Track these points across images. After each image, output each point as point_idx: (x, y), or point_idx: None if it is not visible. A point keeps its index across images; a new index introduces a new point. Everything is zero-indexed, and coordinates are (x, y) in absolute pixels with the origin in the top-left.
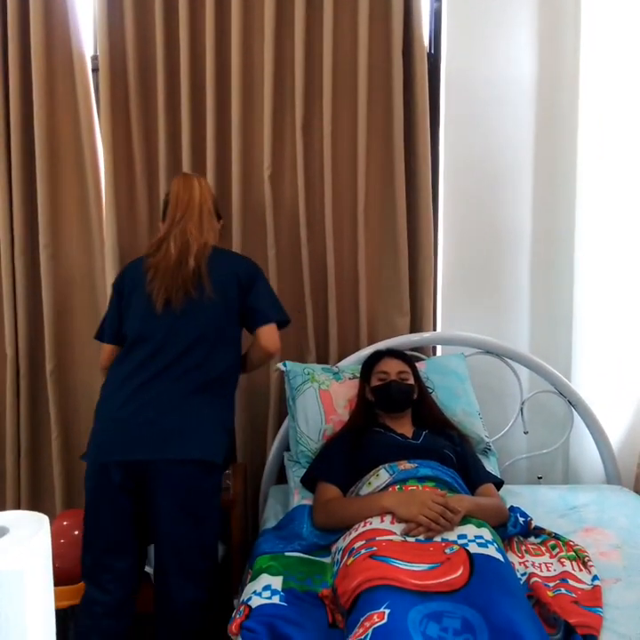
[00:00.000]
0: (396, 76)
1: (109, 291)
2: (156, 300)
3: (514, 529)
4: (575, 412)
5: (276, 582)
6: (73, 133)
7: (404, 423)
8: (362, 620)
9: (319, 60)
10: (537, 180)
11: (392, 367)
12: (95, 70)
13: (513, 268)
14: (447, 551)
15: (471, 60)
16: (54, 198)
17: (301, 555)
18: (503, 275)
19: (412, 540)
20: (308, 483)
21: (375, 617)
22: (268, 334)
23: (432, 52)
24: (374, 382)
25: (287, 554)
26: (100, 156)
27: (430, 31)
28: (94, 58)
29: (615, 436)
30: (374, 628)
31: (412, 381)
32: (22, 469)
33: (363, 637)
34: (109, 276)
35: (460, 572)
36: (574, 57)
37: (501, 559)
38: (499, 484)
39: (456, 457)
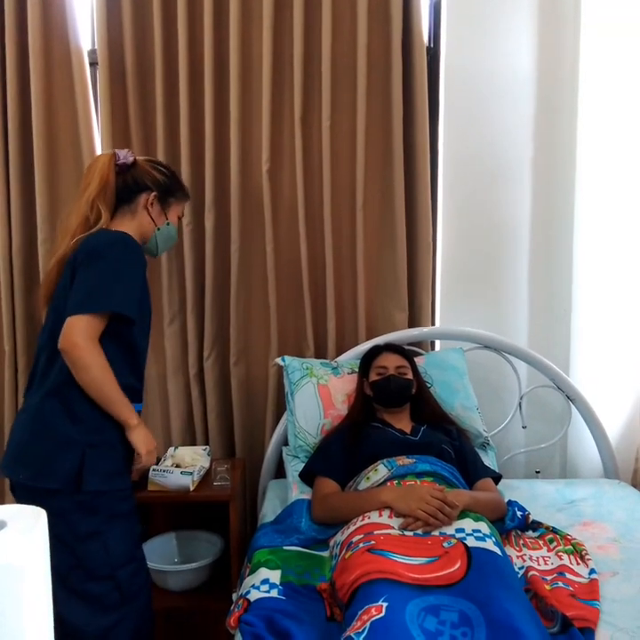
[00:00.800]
0: (396, 70)
1: None
2: None
3: (512, 523)
4: (573, 407)
5: (275, 576)
6: (71, 128)
7: (402, 418)
8: (360, 613)
9: (318, 53)
10: (536, 174)
11: (391, 362)
12: (93, 64)
13: (511, 262)
14: (445, 545)
15: (471, 54)
16: (52, 193)
17: (300, 549)
18: (502, 269)
19: (409, 534)
20: (307, 477)
21: (373, 610)
22: (65, 327)
23: (431, 46)
24: (373, 377)
25: (285, 548)
26: (98, 151)
27: (430, 25)
28: (92, 52)
29: (613, 430)
30: (372, 621)
31: (410, 376)
32: None
33: (360, 630)
34: None
35: (457, 566)
36: (574, 51)
37: (499, 553)
38: (497, 478)
39: (454, 452)
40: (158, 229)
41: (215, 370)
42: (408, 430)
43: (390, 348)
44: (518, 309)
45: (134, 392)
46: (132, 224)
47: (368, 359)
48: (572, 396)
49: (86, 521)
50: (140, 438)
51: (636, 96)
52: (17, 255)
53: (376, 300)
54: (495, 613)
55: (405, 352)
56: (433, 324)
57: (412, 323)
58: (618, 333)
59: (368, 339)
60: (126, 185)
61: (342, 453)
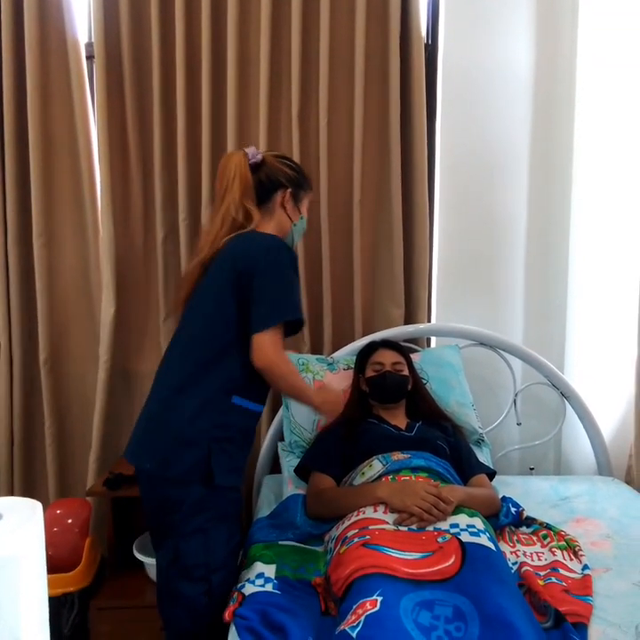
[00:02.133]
0: (393, 67)
1: (105, 279)
2: None
3: (506, 519)
4: (568, 404)
5: (270, 570)
6: (67, 121)
7: (397, 414)
8: (354, 607)
9: (315, 50)
10: (533, 171)
11: (387, 358)
12: (90, 57)
13: (508, 259)
14: (439, 540)
15: (468, 50)
16: (48, 187)
17: (295, 544)
18: (498, 267)
19: (404, 529)
20: (302, 472)
21: (368, 604)
22: (255, 345)
23: (429, 42)
24: (369, 373)
25: (281, 543)
26: (94, 144)
27: (428, 21)
28: (89, 45)
29: (607, 427)
30: (367, 616)
31: (406, 372)
32: (15, 459)
33: (355, 624)
34: (105, 264)
35: (451, 561)
36: (571, 48)
37: (493, 548)
38: (491, 474)
39: (449, 448)
40: (294, 225)
41: None
42: (403, 426)
43: (386, 344)
44: (514, 307)
45: (261, 393)
46: (271, 223)
47: (364, 355)
48: (566, 394)
49: (195, 517)
50: (328, 408)
51: (633, 92)
52: (12, 248)
53: (372, 296)
54: (489, 608)
55: (401, 348)
56: (429, 320)
57: (409, 319)
58: (612, 331)
59: (364, 335)
60: (261, 184)
61: (337, 449)
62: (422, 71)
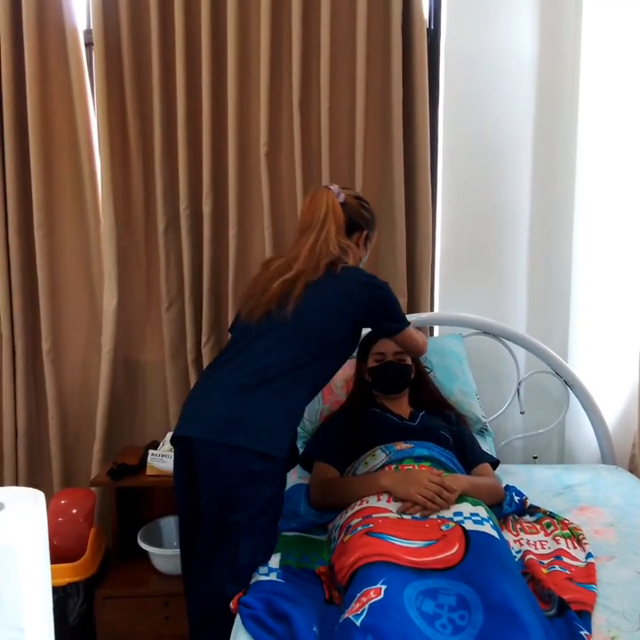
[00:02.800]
0: (395, 53)
1: (107, 269)
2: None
3: (509, 508)
4: (571, 393)
5: (274, 560)
6: (66, 110)
7: (401, 404)
8: (358, 595)
9: (317, 35)
10: (536, 158)
11: (389, 348)
12: (88, 45)
13: (511, 248)
14: (443, 528)
15: (472, 35)
16: (48, 177)
17: (298, 533)
18: (501, 255)
19: (408, 517)
20: (305, 462)
21: (372, 593)
22: (408, 337)
23: (432, 27)
24: (371, 363)
25: (284, 533)
26: (94, 133)
27: (430, 7)
28: (88, 32)
29: (611, 415)
30: (371, 604)
31: (409, 362)
32: (20, 449)
33: (359, 612)
34: (106, 254)
35: (455, 549)
36: (576, 33)
37: (497, 536)
38: (495, 463)
39: (452, 437)
40: (361, 261)
41: (213, 355)
42: (406, 416)
43: None
44: (517, 295)
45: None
46: (351, 262)
47: (366, 345)
48: (570, 382)
49: (261, 517)
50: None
51: (638, 79)
52: (13, 238)
53: None
54: (492, 596)
55: None
56: (432, 309)
57: (411, 308)
58: (616, 319)
59: None
60: (345, 223)
61: (341, 439)
62: (425, 57)
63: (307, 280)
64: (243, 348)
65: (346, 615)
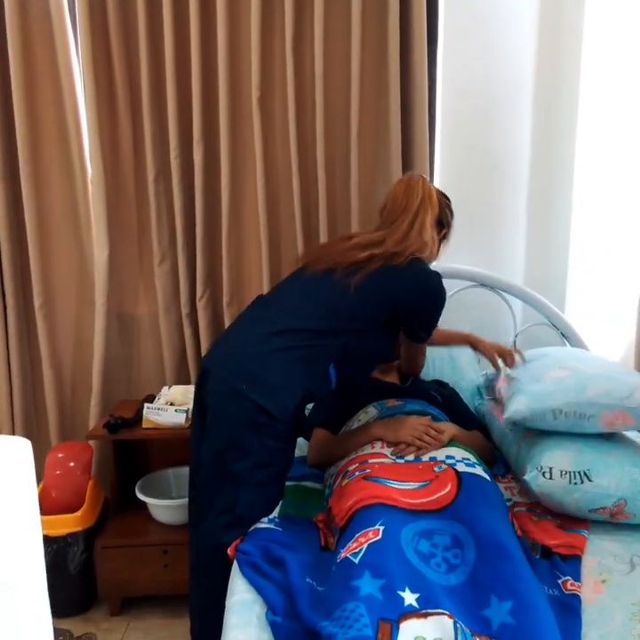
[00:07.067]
0: None
1: (97, 221)
2: None
3: (499, 471)
4: (568, 345)
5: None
6: (49, 58)
7: (391, 375)
8: (357, 535)
9: None
10: (536, 106)
11: None
12: None
13: (509, 198)
14: (436, 469)
15: None
16: (32, 126)
17: (296, 483)
18: (500, 207)
19: (401, 460)
20: (305, 432)
21: (370, 533)
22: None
23: None
24: None
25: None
26: (78, 79)
27: None
28: None
29: None
30: (369, 544)
31: None
32: (15, 405)
33: (357, 551)
34: (96, 205)
35: (448, 489)
36: None
37: (488, 478)
38: (488, 433)
39: (444, 401)
40: (433, 258)
41: (208, 310)
42: (397, 382)
43: None
44: (515, 248)
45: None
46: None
47: None
48: (566, 334)
49: (262, 470)
50: (487, 343)
51: None
52: (2, 206)
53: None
54: (482, 532)
55: None
56: None
57: None
58: (614, 271)
59: None
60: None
61: (335, 405)
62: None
63: (387, 262)
64: (286, 297)
65: (343, 554)
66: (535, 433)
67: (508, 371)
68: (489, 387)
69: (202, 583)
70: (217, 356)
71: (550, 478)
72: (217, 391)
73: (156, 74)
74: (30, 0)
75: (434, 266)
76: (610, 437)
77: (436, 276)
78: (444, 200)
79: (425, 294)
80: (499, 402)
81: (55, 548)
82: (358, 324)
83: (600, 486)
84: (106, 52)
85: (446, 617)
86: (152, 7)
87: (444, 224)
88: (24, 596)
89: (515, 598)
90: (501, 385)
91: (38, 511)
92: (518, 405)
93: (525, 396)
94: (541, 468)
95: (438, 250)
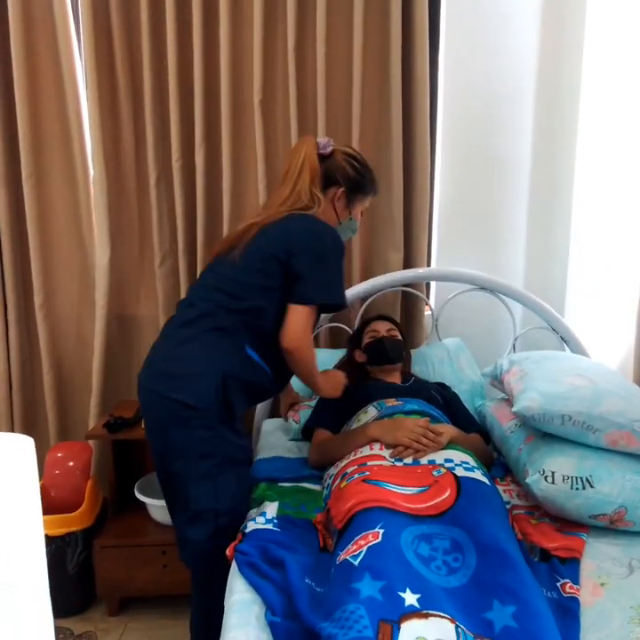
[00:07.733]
0: None
1: (99, 223)
2: None
3: (498, 474)
4: (568, 349)
5: (271, 510)
6: (52, 56)
7: (393, 376)
8: (356, 538)
9: None
10: (538, 109)
11: (381, 327)
12: None
13: (510, 202)
14: (434, 473)
15: None
16: (35, 128)
17: (295, 484)
18: (500, 209)
19: (400, 463)
20: (306, 432)
21: (370, 536)
22: (290, 318)
23: None
24: (366, 340)
25: (280, 484)
26: (81, 81)
27: None
28: None
29: None
30: (369, 547)
31: (400, 338)
32: (15, 405)
33: (357, 554)
34: (98, 207)
35: (447, 494)
36: None
37: (487, 482)
38: (487, 438)
39: (444, 401)
40: (340, 224)
41: None
42: (398, 382)
43: (381, 317)
44: (516, 251)
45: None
46: (319, 214)
47: (360, 329)
48: (566, 338)
49: (201, 463)
50: (329, 392)
51: None
52: (1, 191)
53: (371, 239)
54: (484, 538)
55: (395, 320)
56: (429, 265)
57: (408, 264)
58: (614, 276)
59: (363, 279)
60: (323, 175)
61: (336, 406)
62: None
63: (261, 225)
64: (192, 291)
65: (342, 556)
66: (537, 436)
67: (520, 366)
68: (496, 377)
69: (193, 580)
70: (144, 367)
71: (552, 482)
72: (144, 400)
73: (159, 77)
74: (33, 3)
75: (433, 267)
76: None
77: (314, 220)
78: (343, 158)
79: (309, 232)
80: (506, 393)
81: (54, 548)
82: (254, 298)
83: (601, 493)
84: (109, 53)
85: (448, 621)
86: (155, 10)
87: (339, 181)
88: (25, 595)
89: (518, 604)
90: (511, 377)
91: (40, 509)
92: (531, 402)
93: (539, 395)
94: (543, 471)
95: (339, 209)
